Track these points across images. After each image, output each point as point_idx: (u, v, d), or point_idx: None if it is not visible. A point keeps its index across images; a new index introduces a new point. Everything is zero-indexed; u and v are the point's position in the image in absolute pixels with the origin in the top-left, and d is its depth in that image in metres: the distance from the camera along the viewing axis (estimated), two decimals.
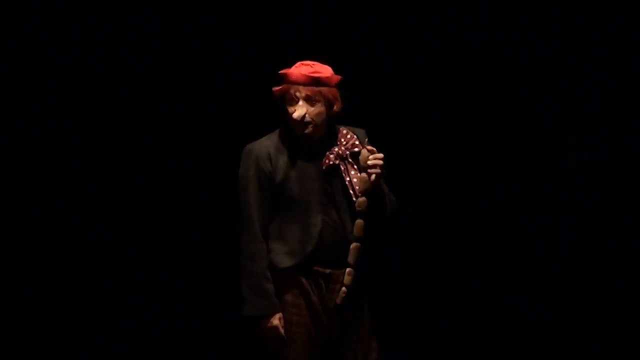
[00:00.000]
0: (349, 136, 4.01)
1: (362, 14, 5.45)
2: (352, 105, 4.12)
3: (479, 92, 5.45)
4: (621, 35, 5.26)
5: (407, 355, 5.28)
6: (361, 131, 4.08)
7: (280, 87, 3.97)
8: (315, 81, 3.92)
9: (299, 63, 4.00)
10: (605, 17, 5.27)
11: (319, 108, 3.94)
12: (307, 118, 3.92)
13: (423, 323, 5.48)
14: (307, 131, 3.95)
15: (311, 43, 5.28)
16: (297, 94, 3.93)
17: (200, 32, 5.40)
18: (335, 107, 3.98)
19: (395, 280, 5.32)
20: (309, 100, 3.92)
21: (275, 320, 3.88)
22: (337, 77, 4.00)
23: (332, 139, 4.03)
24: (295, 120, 3.92)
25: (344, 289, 3.91)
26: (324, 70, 3.97)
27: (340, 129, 4.06)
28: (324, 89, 3.93)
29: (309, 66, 3.97)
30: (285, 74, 3.97)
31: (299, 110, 3.91)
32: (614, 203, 5.30)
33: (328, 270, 3.93)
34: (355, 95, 4.21)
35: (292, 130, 4.00)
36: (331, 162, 3.97)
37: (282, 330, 3.88)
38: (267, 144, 4.01)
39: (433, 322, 5.49)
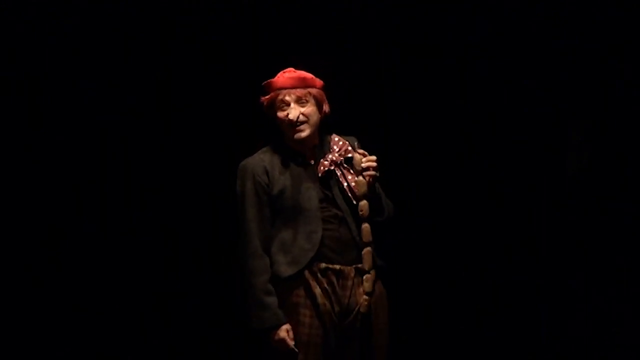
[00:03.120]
0: (340, 143, 4.06)
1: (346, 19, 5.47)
2: (340, 113, 4.15)
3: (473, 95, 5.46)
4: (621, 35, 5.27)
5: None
6: (352, 139, 4.11)
7: (269, 95, 3.99)
8: (302, 82, 4.00)
9: (280, 72, 4.08)
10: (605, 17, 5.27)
11: (310, 107, 3.99)
12: (302, 117, 3.96)
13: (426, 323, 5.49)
14: (303, 134, 3.99)
15: (293, 50, 5.30)
16: (287, 97, 3.99)
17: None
18: (324, 108, 4.05)
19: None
20: (300, 101, 3.99)
21: (282, 333, 3.87)
22: (320, 81, 4.07)
23: (325, 147, 4.08)
24: (290, 122, 3.97)
25: (365, 297, 3.93)
26: (308, 74, 4.06)
27: (332, 136, 4.10)
28: (311, 90, 4.01)
29: (291, 71, 4.07)
30: (270, 83, 4.05)
31: (293, 111, 3.97)
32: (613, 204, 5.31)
33: (338, 266, 3.93)
34: (343, 103, 4.23)
35: (284, 141, 4.06)
36: (326, 168, 3.99)
37: (290, 342, 3.87)
38: (261, 157, 4.05)
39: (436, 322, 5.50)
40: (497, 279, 5.43)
